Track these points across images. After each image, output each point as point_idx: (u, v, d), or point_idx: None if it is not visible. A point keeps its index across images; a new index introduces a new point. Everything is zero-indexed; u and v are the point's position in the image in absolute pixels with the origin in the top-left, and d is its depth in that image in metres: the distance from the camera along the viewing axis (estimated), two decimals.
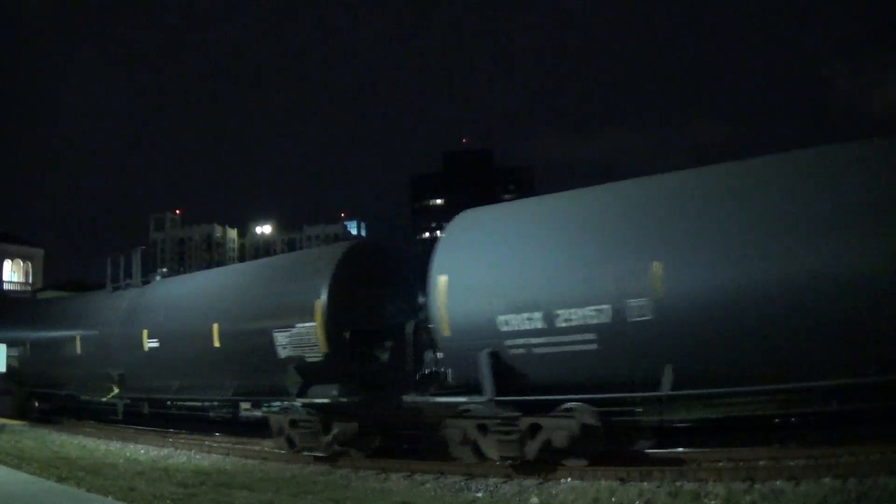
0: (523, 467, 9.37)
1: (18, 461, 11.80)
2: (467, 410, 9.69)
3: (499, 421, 9.33)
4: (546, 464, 9.16)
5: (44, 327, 19.85)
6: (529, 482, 9.06)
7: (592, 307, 8.57)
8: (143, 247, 19.04)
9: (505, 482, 9.25)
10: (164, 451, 13.87)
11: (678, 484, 8.05)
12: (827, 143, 8.49)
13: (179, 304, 15.05)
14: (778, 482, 7.59)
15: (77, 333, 17.74)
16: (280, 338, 11.94)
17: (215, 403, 16.17)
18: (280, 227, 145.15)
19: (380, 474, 10.47)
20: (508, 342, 9.27)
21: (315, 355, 11.53)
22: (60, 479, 9.88)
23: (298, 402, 11.90)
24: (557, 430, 8.90)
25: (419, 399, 10.60)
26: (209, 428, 16.48)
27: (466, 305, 9.71)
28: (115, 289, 17.97)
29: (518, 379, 9.33)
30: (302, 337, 11.62)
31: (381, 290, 12.27)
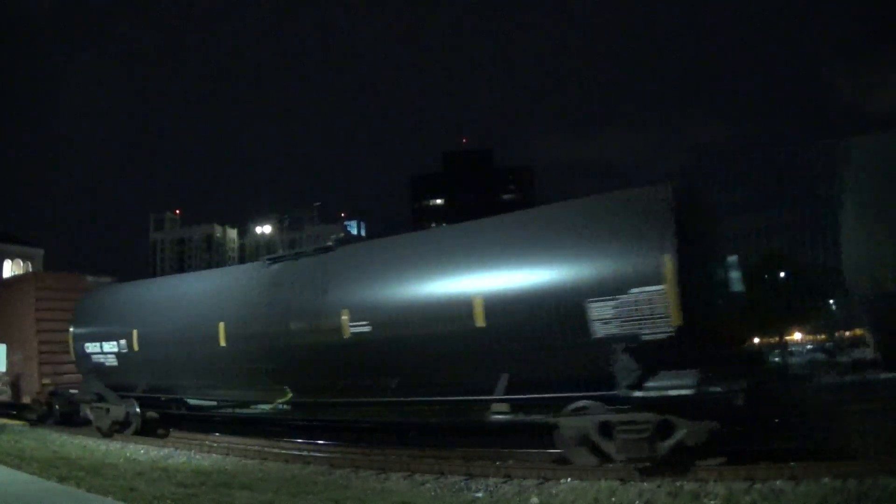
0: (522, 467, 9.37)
1: (19, 461, 11.78)
2: None
3: None
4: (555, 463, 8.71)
5: (160, 315, 15.14)
6: (529, 482, 9.08)
7: None
8: (319, 203, 15.58)
9: (505, 482, 9.26)
10: (164, 451, 13.86)
11: (678, 484, 8.07)
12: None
13: (406, 274, 11.10)
14: (778, 482, 7.61)
15: (220, 320, 13.25)
16: (598, 309, 8.85)
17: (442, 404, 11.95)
18: (280, 227, 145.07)
19: (380, 474, 10.48)
20: None
21: (659, 331, 8.51)
22: (61, 480, 9.87)
23: (636, 396, 8.63)
24: None
25: None
26: (211, 428, 16.04)
27: None
28: (273, 260, 13.68)
29: None
30: (639, 306, 8.59)
31: (714, 245, 9.77)
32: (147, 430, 15.51)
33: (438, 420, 12.67)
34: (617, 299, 8.74)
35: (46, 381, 18.12)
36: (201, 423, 16.55)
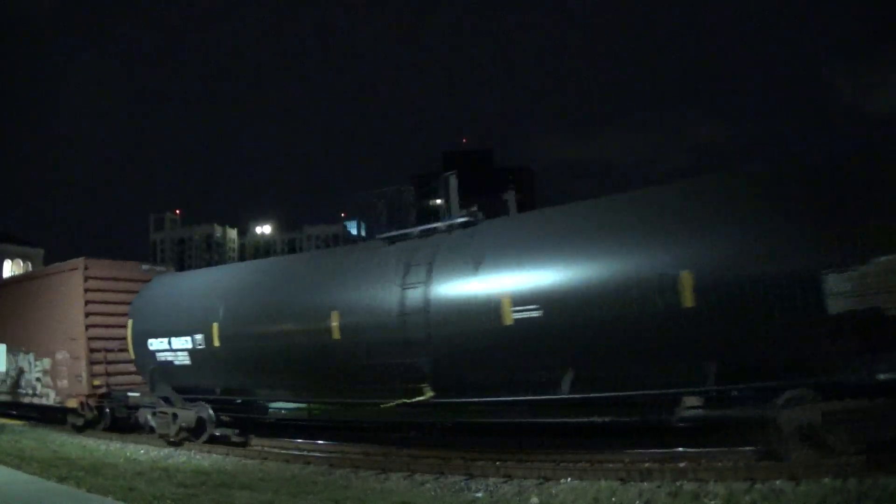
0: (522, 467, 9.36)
1: (18, 461, 11.79)
2: None
3: None
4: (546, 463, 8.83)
5: (249, 305, 12.98)
6: (529, 482, 9.07)
7: None
8: (453, 172, 12.60)
9: (505, 482, 9.26)
10: (165, 451, 13.85)
11: (678, 484, 8.07)
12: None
13: (586, 249, 9.41)
14: (778, 482, 7.60)
15: (333, 309, 11.34)
16: (836, 282, 7.66)
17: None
18: (280, 227, 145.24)
19: (380, 474, 10.47)
20: None
21: None
22: (60, 480, 9.88)
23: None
24: None
25: None
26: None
27: None
28: (392, 239, 11.85)
29: None
30: (883, 277, 7.51)
31: None
32: (221, 437, 13.79)
33: (616, 419, 10.20)
34: (858, 270, 7.57)
35: (97, 382, 16.08)
36: (283, 429, 15.08)
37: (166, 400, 14.35)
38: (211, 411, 13.76)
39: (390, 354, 10.62)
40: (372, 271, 11.34)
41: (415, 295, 10.49)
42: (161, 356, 14.33)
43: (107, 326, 16.19)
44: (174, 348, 14.00)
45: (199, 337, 13.47)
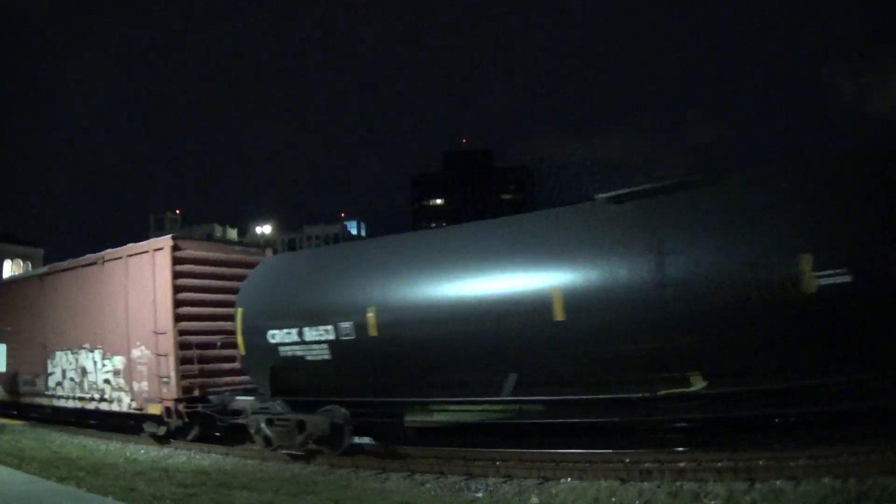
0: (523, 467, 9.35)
1: (18, 461, 11.81)
2: None
3: None
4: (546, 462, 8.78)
5: (424, 283, 10.50)
6: (529, 482, 9.07)
7: None
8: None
9: (505, 482, 9.26)
10: (164, 451, 13.86)
11: (678, 484, 8.06)
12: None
13: None
14: (778, 482, 7.60)
15: (555, 286, 9.18)
16: None
17: None
18: (280, 227, 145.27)
19: (380, 474, 10.47)
20: None
21: None
22: (61, 480, 9.90)
23: None
24: None
25: None
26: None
27: None
28: (623, 198, 9.37)
29: None
30: None
31: None
32: (356, 446, 11.62)
33: None
34: None
35: (191, 383, 13.47)
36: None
37: (291, 404, 11.93)
38: (347, 415, 11.36)
39: (640, 337, 8.70)
40: (602, 237, 9.23)
41: (677, 263, 8.44)
42: (286, 350, 11.73)
43: (200, 318, 13.66)
44: (307, 340, 11.43)
45: (346, 325, 10.99)
